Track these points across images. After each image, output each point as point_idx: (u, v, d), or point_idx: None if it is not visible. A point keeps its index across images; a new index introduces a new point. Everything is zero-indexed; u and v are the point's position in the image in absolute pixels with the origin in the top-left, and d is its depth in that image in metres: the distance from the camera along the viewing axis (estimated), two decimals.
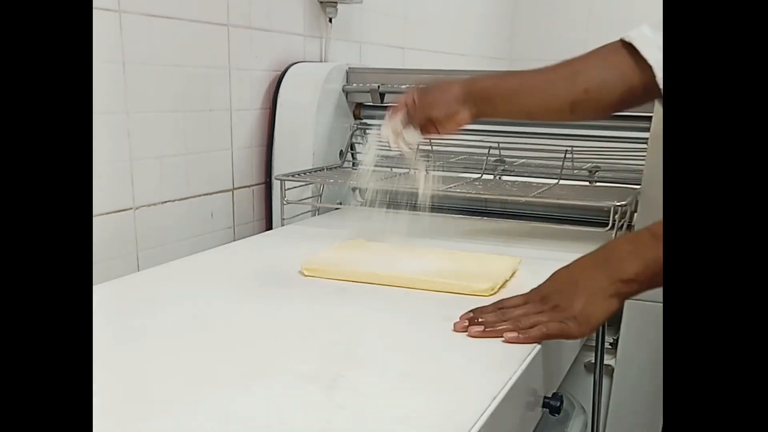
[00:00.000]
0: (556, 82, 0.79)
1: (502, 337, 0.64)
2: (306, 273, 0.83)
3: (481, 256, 0.90)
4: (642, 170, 1.01)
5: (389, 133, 0.84)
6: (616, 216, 0.96)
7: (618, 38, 0.76)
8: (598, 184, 1.16)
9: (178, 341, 0.64)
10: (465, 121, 0.82)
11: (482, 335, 0.64)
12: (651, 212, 0.97)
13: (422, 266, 0.84)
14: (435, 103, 0.82)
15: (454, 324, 0.66)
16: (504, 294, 0.75)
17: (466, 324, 0.66)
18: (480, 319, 0.66)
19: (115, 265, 0.99)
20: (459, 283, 0.78)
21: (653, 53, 0.72)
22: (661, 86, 0.71)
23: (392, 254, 0.89)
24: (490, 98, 0.82)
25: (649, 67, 0.72)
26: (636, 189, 1.03)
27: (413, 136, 0.84)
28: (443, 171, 1.27)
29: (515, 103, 0.82)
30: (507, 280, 0.82)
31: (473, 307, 0.69)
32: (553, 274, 0.70)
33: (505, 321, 0.65)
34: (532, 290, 0.70)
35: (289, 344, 0.64)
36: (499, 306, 0.68)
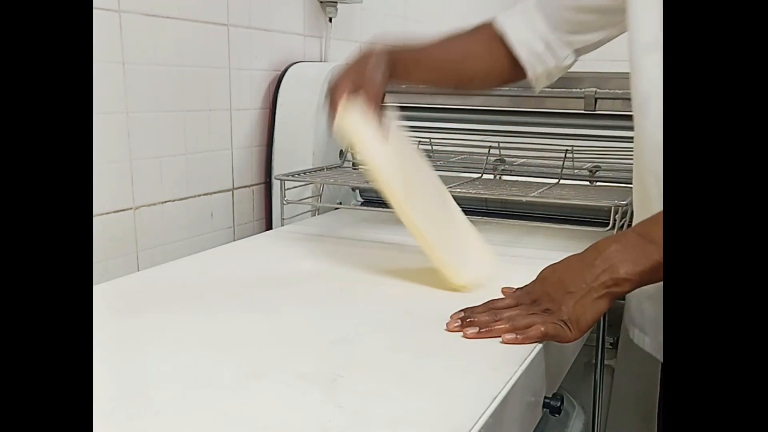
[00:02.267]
0: (447, 66, 0.90)
1: (498, 337, 0.64)
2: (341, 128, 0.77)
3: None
4: None
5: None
6: (617, 216, 0.96)
7: (494, 18, 0.90)
8: (598, 184, 1.16)
9: (178, 341, 0.64)
10: (383, 83, 0.82)
11: (478, 336, 0.64)
12: (651, 212, 0.97)
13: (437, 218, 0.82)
14: (357, 75, 0.81)
15: (447, 324, 0.67)
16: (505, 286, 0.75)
17: (459, 324, 0.66)
18: (474, 320, 0.66)
19: (115, 265, 0.99)
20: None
21: (524, 53, 0.88)
22: (533, 82, 0.89)
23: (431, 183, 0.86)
24: (395, 64, 0.83)
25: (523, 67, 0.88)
26: None
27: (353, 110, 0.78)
28: (443, 171, 1.27)
29: (414, 74, 0.89)
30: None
31: (464, 307, 0.69)
32: (541, 273, 0.70)
33: (498, 321, 0.65)
34: (518, 290, 0.71)
35: (289, 344, 0.64)
36: (491, 306, 0.68)
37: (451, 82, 0.93)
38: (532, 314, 0.66)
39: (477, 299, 0.73)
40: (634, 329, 0.82)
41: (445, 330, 0.66)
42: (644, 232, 0.66)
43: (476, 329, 0.65)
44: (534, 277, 0.71)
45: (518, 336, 0.63)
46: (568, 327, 0.64)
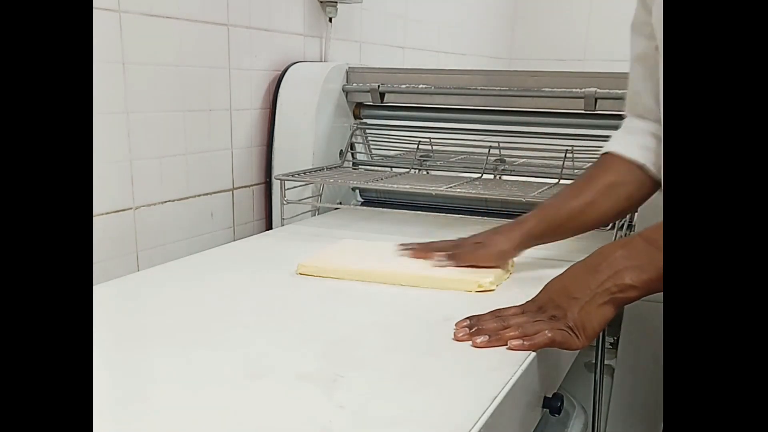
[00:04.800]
0: (599, 203, 0.83)
1: (506, 344, 0.63)
2: (301, 273, 0.84)
3: None
4: None
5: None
6: None
7: (603, 150, 0.85)
8: None
9: (178, 341, 0.64)
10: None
11: (488, 345, 0.63)
12: (651, 212, 0.97)
13: (420, 264, 0.84)
14: (483, 258, 0.83)
15: (455, 333, 0.65)
16: (505, 288, 0.74)
17: (467, 332, 0.64)
18: (482, 328, 0.64)
19: (115, 265, 0.99)
20: (462, 278, 0.78)
21: (638, 154, 0.81)
22: (658, 177, 0.80)
23: (388, 253, 0.89)
24: (541, 237, 0.85)
25: (643, 166, 0.81)
26: None
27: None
28: (443, 171, 1.27)
29: (565, 232, 0.86)
30: (506, 277, 0.82)
31: (470, 315, 0.67)
32: (546, 284, 0.69)
33: (507, 328, 0.64)
34: (527, 302, 0.69)
35: (289, 344, 0.64)
36: (497, 315, 0.67)
37: (606, 218, 0.87)
38: (538, 321, 0.64)
39: (479, 301, 0.73)
40: None
41: (454, 339, 0.64)
42: (652, 237, 0.64)
43: (486, 337, 0.63)
44: (533, 276, 0.71)
45: (525, 342, 0.62)
46: (575, 334, 0.63)
